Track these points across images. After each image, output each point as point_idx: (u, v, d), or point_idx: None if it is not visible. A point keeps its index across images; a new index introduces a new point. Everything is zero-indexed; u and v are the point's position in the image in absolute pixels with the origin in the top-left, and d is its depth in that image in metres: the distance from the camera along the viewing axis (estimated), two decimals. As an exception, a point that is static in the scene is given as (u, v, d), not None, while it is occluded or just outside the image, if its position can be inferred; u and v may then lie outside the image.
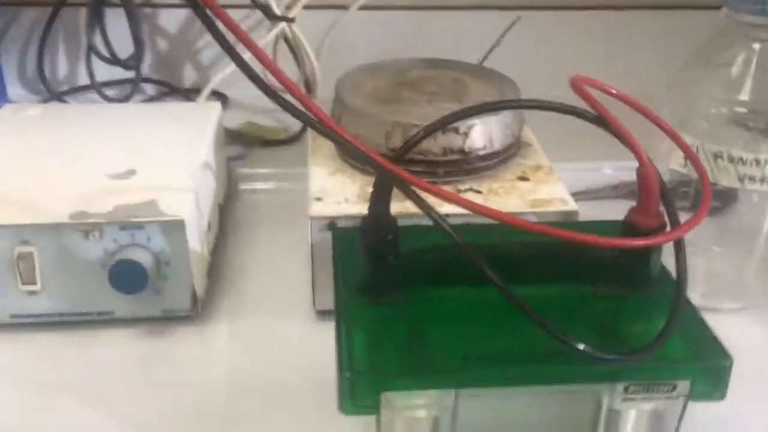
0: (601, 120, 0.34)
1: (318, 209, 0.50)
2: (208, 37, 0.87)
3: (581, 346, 0.31)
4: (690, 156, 0.37)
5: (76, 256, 0.49)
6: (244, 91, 0.74)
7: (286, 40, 0.80)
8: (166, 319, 0.53)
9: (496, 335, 0.34)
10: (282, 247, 0.62)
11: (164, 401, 0.47)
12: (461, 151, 0.52)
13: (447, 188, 0.52)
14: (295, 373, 0.49)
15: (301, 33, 0.79)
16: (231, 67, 0.78)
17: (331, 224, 0.50)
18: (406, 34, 0.86)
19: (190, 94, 0.87)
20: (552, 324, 0.31)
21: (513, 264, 0.36)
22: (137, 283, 0.49)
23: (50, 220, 0.49)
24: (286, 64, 0.80)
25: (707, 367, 0.32)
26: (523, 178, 0.54)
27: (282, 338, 0.53)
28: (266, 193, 0.72)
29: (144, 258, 0.49)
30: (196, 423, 0.45)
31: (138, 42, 0.80)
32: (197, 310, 0.53)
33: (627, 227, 0.35)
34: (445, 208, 0.37)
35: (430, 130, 0.35)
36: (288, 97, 0.36)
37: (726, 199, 0.53)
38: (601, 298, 0.36)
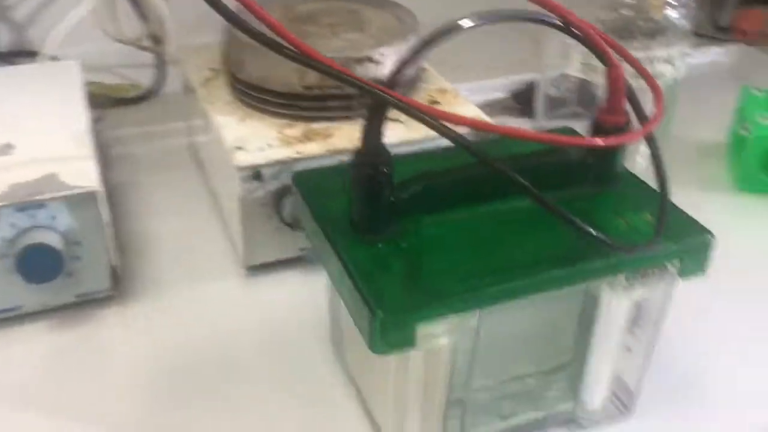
0: (569, 26, 0.35)
1: (244, 159, 0.47)
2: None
3: (605, 238, 0.32)
4: (632, 62, 0.38)
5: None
6: (73, 48, 0.66)
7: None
8: (83, 304, 0.47)
9: (505, 249, 0.34)
10: (180, 207, 0.58)
11: (93, 391, 0.42)
12: (377, 80, 0.50)
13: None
14: (235, 339, 0.46)
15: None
16: (62, 25, 0.69)
17: (257, 173, 0.47)
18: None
19: (9, 57, 0.76)
20: (578, 220, 0.31)
21: (496, 178, 0.36)
22: (51, 270, 0.43)
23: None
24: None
25: (696, 245, 0.35)
26: (434, 102, 0.54)
27: (214, 303, 0.49)
28: (138, 155, 0.66)
29: (52, 240, 0.43)
30: (134, 408, 0.42)
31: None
32: (118, 289, 0.48)
33: (596, 127, 0.37)
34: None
35: (417, 50, 0.33)
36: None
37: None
38: (576, 200, 0.37)
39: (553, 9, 0.35)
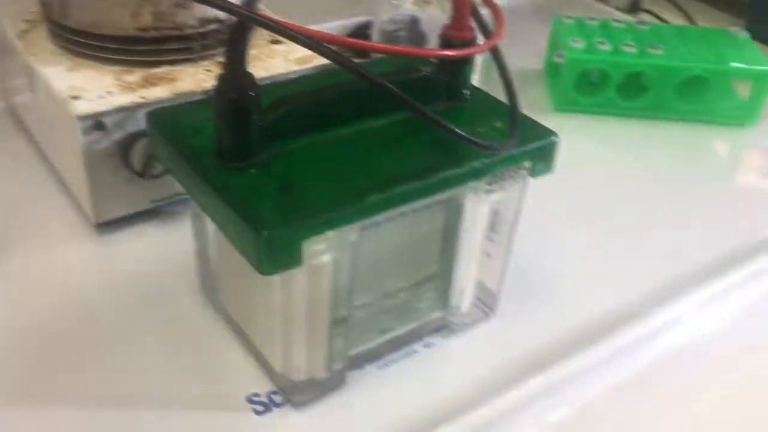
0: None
1: (85, 108, 0.44)
2: None
3: (477, 140, 0.34)
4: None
5: None
6: None
7: None
8: None
9: (376, 165, 0.35)
10: (8, 174, 0.54)
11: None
12: (218, 20, 0.49)
13: (205, 64, 0.50)
14: (97, 299, 0.44)
15: None
16: None
17: (99, 122, 0.45)
18: None
19: None
20: (452, 126, 0.33)
21: (359, 99, 0.37)
22: None
23: None
24: None
25: (546, 145, 0.38)
26: (275, 41, 0.53)
27: (67, 266, 0.46)
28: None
29: None
30: None
31: None
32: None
33: (445, 43, 0.38)
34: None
35: None
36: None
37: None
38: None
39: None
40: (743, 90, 0.66)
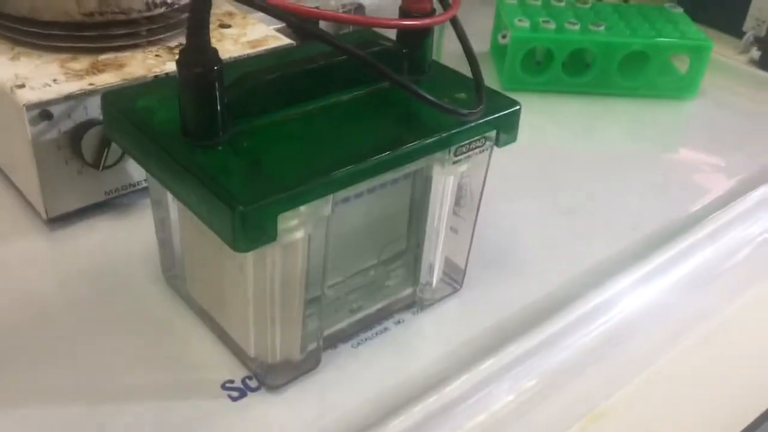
0: None
1: (31, 96, 0.42)
2: None
3: (451, 107, 0.34)
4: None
5: None
6: None
7: None
8: None
9: (344, 139, 0.34)
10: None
11: None
12: (165, 3, 0.48)
13: (153, 50, 0.49)
14: (55, 295, 0.43)
15: None
16: None
17: (46, 111, 0.43)
18: None
19: None
20: (426, 93, 0.33)
21: (322, 74, 0.37)
22: None
23: None
24: None
25: (510, 114, 0.38)
26: (224, 25, 0.52)
27: (19, 263, 0.45)
28: None
29: None
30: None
31: None
32: None
33: (404, 15, 0.38)
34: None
35: None
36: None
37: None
38: (393, 90, 0.39)
39: None
40: (682, 65, 0.68)
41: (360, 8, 0.69)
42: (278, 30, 0.54)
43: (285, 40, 0.52)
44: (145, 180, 0.48)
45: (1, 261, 0.44)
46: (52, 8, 0.45)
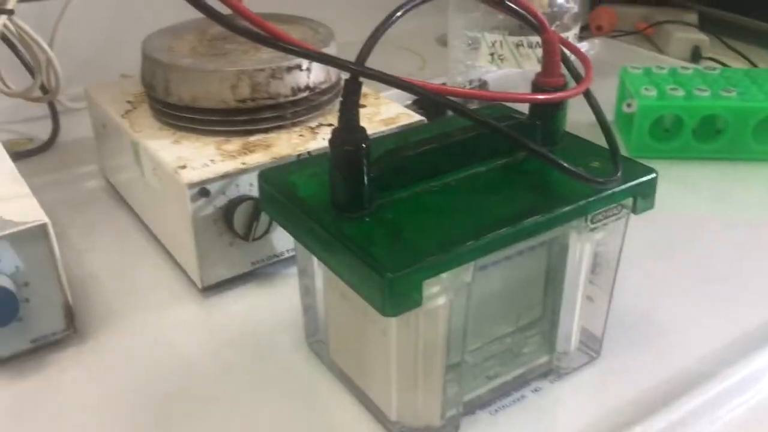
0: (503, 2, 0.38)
1: (192, 176, 0.46)
2: None
3: (589, 176, 0.35)
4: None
5: None
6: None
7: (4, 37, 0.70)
8: (37, 350, 0.45)
9: (484, 209, 0.36)
10: (112, 243, 0.56)
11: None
12: (308, 87, 0.52)
13: (297, 130, 0.53)
14: (207, 360, 0.45)
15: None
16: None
17: (204, 189, 0.47)
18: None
19: None
20: (563, 162, 0.35)
21: (456, 149, 0.39)
22: (7, 313, 0.41)
23: None
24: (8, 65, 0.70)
25: (645, 182, 0.39)
26: (360, 105, 0.55)
27: (176, 328, 0.48)
28: (50, 202, 0.62)
29: (4, 282, 0.41)
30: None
31: None
32: (74, 327, 0.45)
33: (536, 88, 0.40)
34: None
35: (377, 32, 0.34)
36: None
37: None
38: (528, 161, 0.40)
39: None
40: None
41: (485, 84, 0.72)
42: (407, 106, 0.57)
43: (416, 117, 0.55)
44: (288, 251, 0.51)
45: (158, 324, 0.48)
46: (210, 97, 0.50)
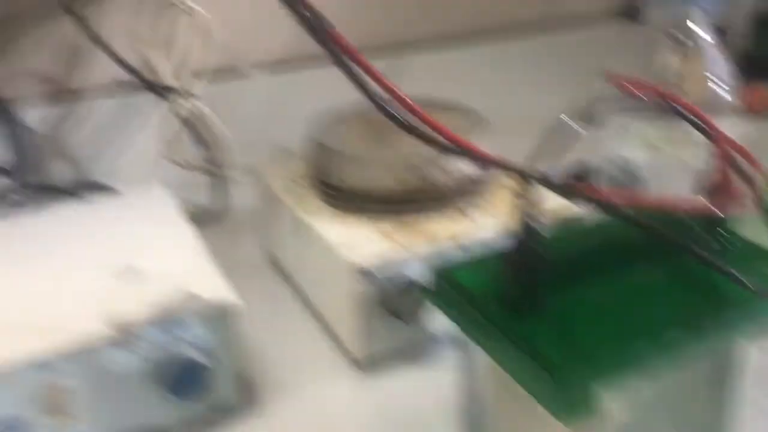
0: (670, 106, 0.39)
1: (358, 258, 0.49)
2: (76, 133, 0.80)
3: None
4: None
5: (113, 374, 0.44)
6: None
7: (184, 118, 0.76)
8: (211, 420, 0.48)
9: (651, 312, 0.37)
10: (273, 314, 0.60)
11: None
12: (470, 178, 0.54)
13: (449, 212, 0.55)
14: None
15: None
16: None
17: (367, 271, 0.50)
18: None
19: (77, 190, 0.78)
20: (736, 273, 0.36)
21: (625, 252, 0.40)
22: (198, 385, 0.45)
23: (86, 339, 0.43)
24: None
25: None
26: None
27: (333, 406, 0.51)
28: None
29: (197, 355, 0.45)
30: None
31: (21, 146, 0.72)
32: (245, 399, 0.49)
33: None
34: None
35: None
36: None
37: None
38: (698, 265, 0.40)
39: (661, 95, 0.40)
40: None
41: (633, 175, 0.72)
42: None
43: (576, 210, 0.55)
44: (446, 335, 0.53)
45: (319, 396, 0.51)
46: (378, 186, 0.53)
